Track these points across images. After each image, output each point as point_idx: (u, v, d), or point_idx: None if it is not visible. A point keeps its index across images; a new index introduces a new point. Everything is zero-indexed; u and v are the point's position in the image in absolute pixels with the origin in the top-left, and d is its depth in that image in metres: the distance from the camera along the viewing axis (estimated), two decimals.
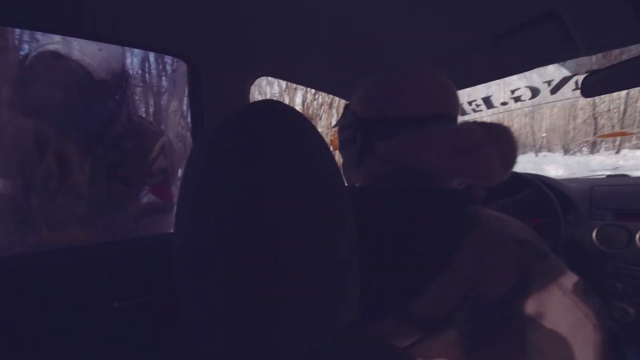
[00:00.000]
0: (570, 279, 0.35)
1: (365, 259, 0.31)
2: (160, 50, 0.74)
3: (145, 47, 0.73)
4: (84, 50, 0.86)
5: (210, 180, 0.26)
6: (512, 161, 0.40)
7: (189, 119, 0.82)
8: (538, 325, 0.33)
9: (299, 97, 5.94)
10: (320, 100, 5.59)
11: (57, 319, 0.64)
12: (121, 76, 0.94)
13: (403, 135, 0.41)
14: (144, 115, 3.01)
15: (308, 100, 5.75)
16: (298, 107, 6.33)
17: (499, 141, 0.40)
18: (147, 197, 1.04)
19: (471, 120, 0.44)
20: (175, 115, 2.87)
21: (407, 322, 0.36)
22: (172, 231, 0.79)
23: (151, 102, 3.06)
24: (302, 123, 0.29)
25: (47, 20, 0.59)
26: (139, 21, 0.63)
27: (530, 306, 0.34)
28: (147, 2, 0.59)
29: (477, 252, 0.36)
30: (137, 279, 0.72)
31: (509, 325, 0.34)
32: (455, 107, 0.47)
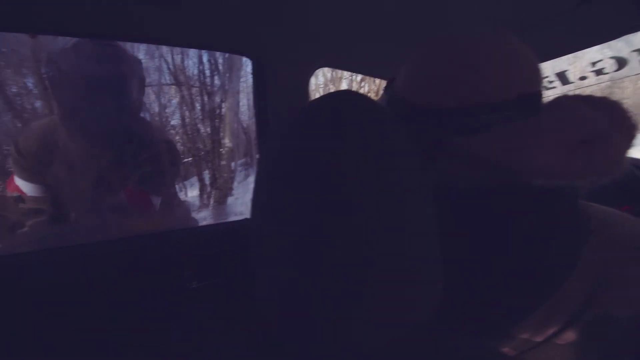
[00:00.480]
0: None
1: (459, 271, 0.29)
2: (228, 50, 0.79)
3: (213, 48, 0.80)
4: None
5: (295, 169, 0.27)
6: (632, 147, 0.32)
7: (245, 113, 0.87)
8: None
9: (344, 87, 5.89)
10: (366, 88, 5.49)
11: (145, 297, 0.76)
12: (138, 79, 1.02)
13: (495, 126, 0.33)
14: (198, 113, 3.25)
15: (354, 85, 5.69)
16: None
17: (622, 125, 0.32)
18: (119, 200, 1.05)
19: (562, 95, 0.36)
20: (229, 111, 3.05)
21: (504, 344, 0.32)
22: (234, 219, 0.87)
23: (205, 100, 3.28)
24: (380, 112, 0.29)
25: (116, 28, 0.65)
26: (209, 24, 0.68)
27: None
28: (216, 5, 0.63)
29: (596, 264, 0.30)
30: (212, 261, 0.82)
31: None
32: (541, 82, 0.37)
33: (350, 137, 0.25)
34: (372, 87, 5.43)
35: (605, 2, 0.67)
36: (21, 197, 0.99)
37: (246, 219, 0.95)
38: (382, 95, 0.47)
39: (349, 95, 0.28)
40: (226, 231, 0.89)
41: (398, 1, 0.67)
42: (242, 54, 0.80)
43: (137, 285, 0.74)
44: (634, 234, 0.32)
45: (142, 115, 1.12)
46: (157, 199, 1.08)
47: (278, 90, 0.82)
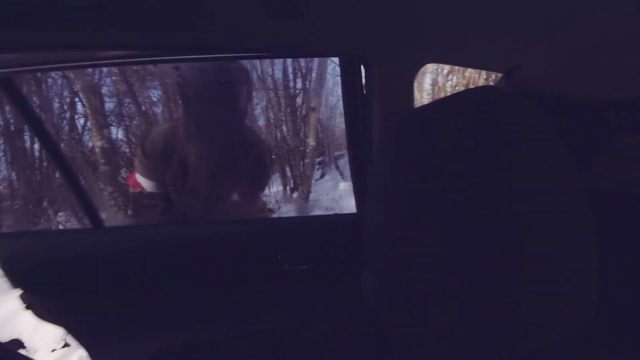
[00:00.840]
0: None
1: (615, 284, 0.27)
2: (337, 54, 0.81)
3: (323, 54, 0.82)
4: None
5: (436, 171, 0.26)
6: None
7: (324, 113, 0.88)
8: None
9: (427, 79, 5.53)
10: (454, 80, 5.05)
11: (245, 272, 0.94)
12: (248, 88, 1.11)
13: None
14: (282, 115, 3.47)
15: (440, 83, 5.29)
16: (427, 90, 5.91)
17: None
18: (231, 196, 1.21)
19: None
20: (313, 112, 3.17)
21: None
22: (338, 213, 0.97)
23: (290, 102, 3.47)
24: (532, 110, 0.26)
25: (236, 42, 0.71)
26: (319, 31, 0.70)
27: None
28: (326, 12, 0.64)
29: None
30: (306, 250, 0.93)
31: None
32: None
33: (503, 137, 0.24)
34: (461, 80, 4.97)
35: None
36: (141, 192, 1.19)
37: (337, 215, 1.02)
38: (502, 84, 0.42)
39: (494, 92, 0.26)
40: (318, 224, 0.98)
41: None
42: (351, 57, 0.80)
43: (240, 261, 0.92)
44: None
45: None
46: (262, 195, 1.22)
47: (386, 89, 0.80)
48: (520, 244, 0.23)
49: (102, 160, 1.72)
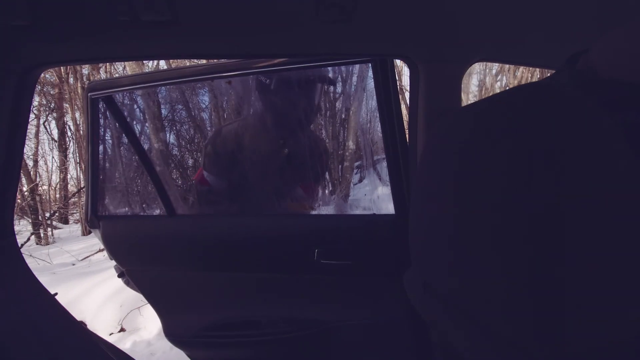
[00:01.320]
0: None
1: None
2: (386, 55, 0.83)
3: (369, 56, 0.85)
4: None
5: (481, 168, 0.26)
6: None
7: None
8: None
9: (474, 79, 5.26)
10: (504, 81, 4.73)
11: (284, 263, 1.03)
12: (321, 87, 1.16)
13: None
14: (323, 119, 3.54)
15: (488, 84, 5.00)
16: (474, 92, 5.63)
17: None
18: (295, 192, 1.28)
19: None
20: (354, 115, 3.19)
21: None
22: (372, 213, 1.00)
23: (330, 106, 3.51)
24: (587, 108, 0.25)
25: (293, 47, 0.76)
26: (368, 32, 0.72)
27: None
28: (375, 15, 0.67)
29: None
30: (342, 246, 0.98)
31: None
32: None
33: (554, 137, 0.23)
34: (511, 80, 4.63)
35: None
36: (208, 189, 1.30)
37: (375, 215, 1.05)
38: (564, 71, 0.40)
39: (544, 89, 0.26)
40: (356, 222, 1.03)
41: None
42: (397, 58, 0.82)
43: (284, 252, 1.02)
44: None
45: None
46: (319, 190, 1.30)
47: (431, 90, 0.80)
48: (578, 244, 0.22)
49: (164, 160, 1.92)
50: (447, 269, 0.29)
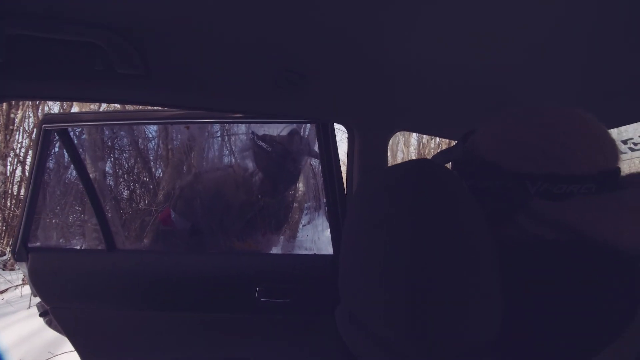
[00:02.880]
0: None
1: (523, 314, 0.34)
2: (327, 120, 1.00)
3: (318, 119, 1.01)
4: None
5: (378, 220, 0.34)
6: None
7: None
8: None
9: (414, 139, 6.01)
10: (437, 140, 5.50)
11: (226, 301, 1.04)
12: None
13: (576, 197, 0.37)
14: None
15: (424, 141, 5.76)
16: (413, 149, 6.36)
17: None
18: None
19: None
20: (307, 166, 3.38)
21: None
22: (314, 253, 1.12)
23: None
24: (456, 181, 0.37)
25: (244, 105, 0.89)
26: (317, 101, 0.88)
27: None
28: (319, 82, 0.80)
29: None
30: (284, 285, 1.02)
31: None
32: (619, 159, 0.41)
33: (431, 203, 0.32)
34: (444, 140, 5.45)
35: None
36: (172, 230, 1.31)
37: (315, 255, 1.14)
38: (456, 146, 0.51)
39: (428, 165, 0.35)
40: (297, 262, 1.09)
41: (468, 72, 0.75)
42: (339, 123, 1.00)
43: (226, 287, 1.04)
44: None
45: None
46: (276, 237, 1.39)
47: (363, 152, 0.98)
48: (440, 277, 0.31)
49: (109, 194, 1.84)
50: (358, 301, 0.36)
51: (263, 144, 1.24)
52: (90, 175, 1.42)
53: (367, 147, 0.99)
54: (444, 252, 0.31)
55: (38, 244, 1.19)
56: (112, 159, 1.91)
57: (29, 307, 2.70)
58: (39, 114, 4.57)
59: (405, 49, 0.65)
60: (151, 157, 1.92)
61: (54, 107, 4.59)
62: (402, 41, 0.63)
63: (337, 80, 0.78)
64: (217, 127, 1.51)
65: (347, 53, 0.67)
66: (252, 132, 1.28)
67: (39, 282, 1.02)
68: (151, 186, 1.89)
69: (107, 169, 1.84)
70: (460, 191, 0.35)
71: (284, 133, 1.27)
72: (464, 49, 0.65)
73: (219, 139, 1.54)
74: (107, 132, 1.77)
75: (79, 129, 1.43)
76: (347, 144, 1.03)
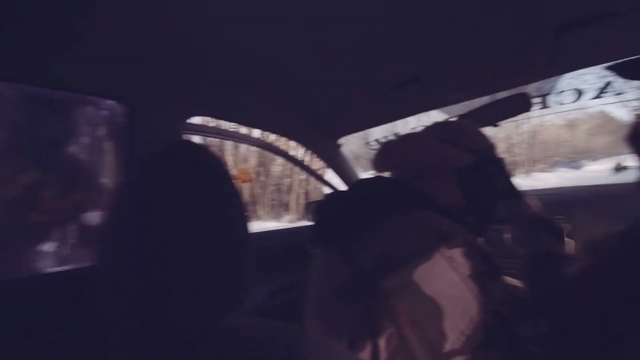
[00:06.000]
0: None
1: None
2: (96, 94, 0.75)
3: (82, 90, 0.75)
4: None
5: (130, 212, 0.32)
6: None
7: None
8: None
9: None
10: None
11: None
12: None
13: None
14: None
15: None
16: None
17: None
18: None
19: None
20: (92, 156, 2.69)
21: None
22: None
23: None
24: (217, 162, 0.35)
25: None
26: (87, 69, 0.66)
27: None
28: (88, 48, 0.63)
29: None
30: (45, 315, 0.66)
31: None
32: None
33: (181, 187, 0.31)
34: None
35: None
36: None
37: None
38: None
39: (186, 146, 0.35)
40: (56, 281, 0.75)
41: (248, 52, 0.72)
42: (111, 99, 0.77)
43: None
44: None
45: None
46: None
47: (148, 138, 0.79)
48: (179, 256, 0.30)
49: None
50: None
51: None
52: None
53: (153, 136, 0.80)
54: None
55: None
56: None
57: None
58: None
59: (199, 27, 0.58)
60: None
61: None
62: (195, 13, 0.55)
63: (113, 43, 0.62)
64: None
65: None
66: None
67: None
68: None
69: None
70: (226, 175, 0.35)
71: None
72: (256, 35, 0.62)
73: None
74: None
75: None
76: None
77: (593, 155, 12.06)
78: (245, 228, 0.35)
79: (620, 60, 0.39)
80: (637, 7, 0.55)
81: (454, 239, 0.44)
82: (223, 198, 0.34)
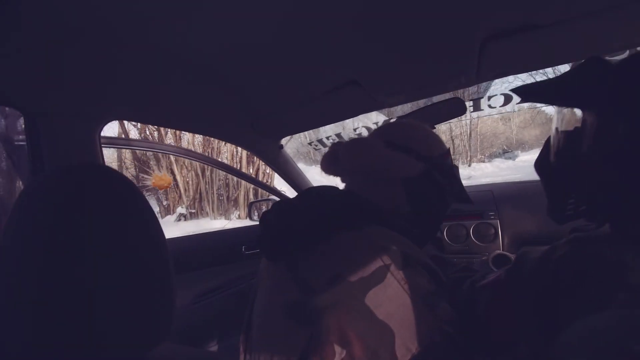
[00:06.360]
0: None
1: None
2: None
3: None
4: None
5: (35, 230, 0.31)
6: None
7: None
8: None
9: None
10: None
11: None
12: None
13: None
14: None
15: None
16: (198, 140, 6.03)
17: None
18: None
19: None
20: None
21: None
22: None
23: None
24: (125, 183, 0.35)
25: None
26: None
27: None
28: None
29: None
30: None
31: None
32: None
33: (90, 209, 0.31)
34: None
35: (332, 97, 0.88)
36: None
37: None
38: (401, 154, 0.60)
39: (95, 169, 0.35)
40: None
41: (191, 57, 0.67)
42: (10, 106, 0.66)
43: None
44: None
45: None
46: None
47: (58, 147, 0.70)
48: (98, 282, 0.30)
49: None
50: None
51: None
52: None
53: (64, 144, 0.70)
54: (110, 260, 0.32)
55: None
56: None
57: None
58: None
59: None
60: None
61: None
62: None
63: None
64: None
65: None
66: None
67: None
68: None
69: None
70: (139, 197, 0.37)
71: None
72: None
73: None
74: None
75: None
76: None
77: (525, 146, 13.51)
78: (161, 251, 0.36)
79: (519, 85, 0.43)
80: (557, 21, 0.60)
81: (402, 256, 0.44)
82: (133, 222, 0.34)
